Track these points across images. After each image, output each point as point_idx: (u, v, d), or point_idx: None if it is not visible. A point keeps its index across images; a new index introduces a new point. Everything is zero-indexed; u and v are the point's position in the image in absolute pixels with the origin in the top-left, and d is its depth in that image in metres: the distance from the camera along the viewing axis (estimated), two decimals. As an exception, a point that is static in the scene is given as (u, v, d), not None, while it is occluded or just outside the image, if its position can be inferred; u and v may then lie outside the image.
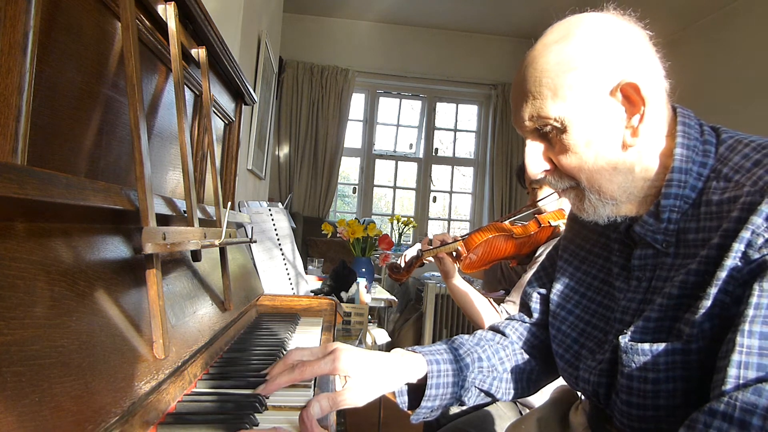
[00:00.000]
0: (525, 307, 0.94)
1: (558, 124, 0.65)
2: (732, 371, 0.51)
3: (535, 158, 0.70)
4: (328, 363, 0.69)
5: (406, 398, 0.81)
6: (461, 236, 1.45)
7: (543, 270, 0.93)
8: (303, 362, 0.69)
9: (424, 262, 1.51)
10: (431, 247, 1.46)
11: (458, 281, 1.50)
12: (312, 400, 0.62)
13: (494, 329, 0.94)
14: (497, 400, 0.90)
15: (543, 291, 0.90)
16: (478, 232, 1.41)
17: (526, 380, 0.88)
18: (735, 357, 0.51)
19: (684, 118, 0.67)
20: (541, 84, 0.65)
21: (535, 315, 0.91)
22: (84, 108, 0.58)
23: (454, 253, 1.44)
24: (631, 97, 0.63)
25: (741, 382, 0.50)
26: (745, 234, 0.54)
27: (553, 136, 0.67)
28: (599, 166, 0.65)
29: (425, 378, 0.78)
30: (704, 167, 0.64)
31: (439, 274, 1.55)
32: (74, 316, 0.45)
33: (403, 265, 1.55)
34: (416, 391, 0.80)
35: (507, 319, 0.96)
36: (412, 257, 1.52)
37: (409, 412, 0.80)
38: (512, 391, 0.87)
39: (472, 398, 0.83)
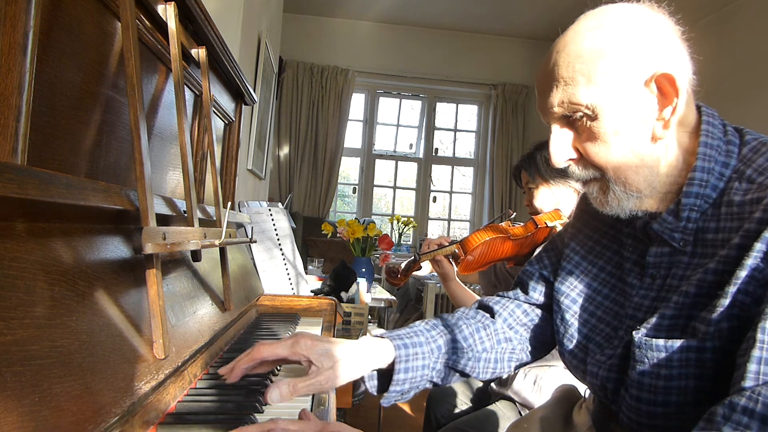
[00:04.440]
0: (522, 285, 0.92)
1: (589, 111, 0.64)
2: (752, 367, 0.51)
3: (560, 146, 0.69)
4: (287, 346, 0.68)
5: (375, 383, 0.79)
6: (458, 239, 1.45)
7: (545, 252, 0.92)
8: (261, 343, 0.69)
9: (422, 265, 1.51)
10: (428, 251, 1.46)
11: (457, 284, 1.50)
12: (272, 386, 0.62)
13: (482, 306, 0.92)
14: (489, 379, 0.88)
15: (544, 272, 0.89)
16: (475, 234, 1.41)
17: (506, 360, 0.87)
18: (755, 353, 0.51)
19: (708, 117, 0.67)
20: (575, 69, 0.64)
21: (532, 294, 0.90)
22: (84, 108, 0.58)
23: (452, 256, 1.44)
24: (664, 89, 0.63)
25: (762, 377, 0.50)
26: None
27: (581, 124, 0.66)
28: (627, 156, 0.65)
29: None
30: (726, 168, 0.64)
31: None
32: (74, 316, 0.45)
33: (400, 269, 1.54)
34: (387, 376, 0.79)
35: (497, 295, 0.94)
36: (409, 261, 1.51)
37: (379, 395, 0.79)
38: (489, 371, 0.85)
39: (446, 378, 0.82)
